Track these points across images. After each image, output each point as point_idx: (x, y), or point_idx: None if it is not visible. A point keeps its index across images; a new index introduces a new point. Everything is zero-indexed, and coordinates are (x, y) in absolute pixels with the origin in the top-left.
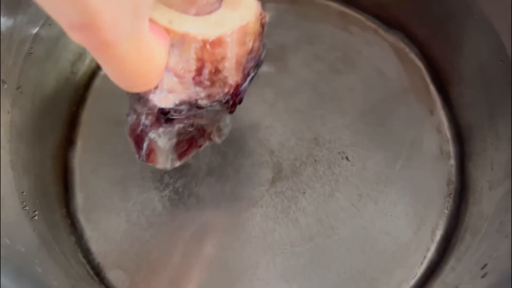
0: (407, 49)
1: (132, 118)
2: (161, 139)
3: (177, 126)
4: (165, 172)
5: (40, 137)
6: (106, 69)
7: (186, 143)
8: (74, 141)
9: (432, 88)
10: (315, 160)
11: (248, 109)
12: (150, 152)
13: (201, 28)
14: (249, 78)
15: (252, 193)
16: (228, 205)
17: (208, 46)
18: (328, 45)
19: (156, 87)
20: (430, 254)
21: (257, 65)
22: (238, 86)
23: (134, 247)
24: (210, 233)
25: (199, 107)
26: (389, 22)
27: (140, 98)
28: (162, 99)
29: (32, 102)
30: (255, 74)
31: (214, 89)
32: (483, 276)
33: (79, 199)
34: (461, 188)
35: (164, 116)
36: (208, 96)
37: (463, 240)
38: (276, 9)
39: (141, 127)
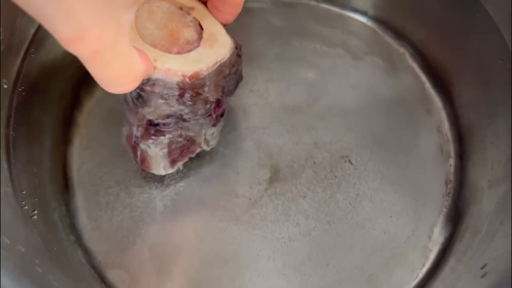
0: (407, 49)
1: (126, 129)
2: (152, 149)
3: (168, 136)
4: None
5: (39, 136)
6: (93, 73)
7: (178, 151)
8: (74, 140)
9: (432, 88)
10: (315, 162)
11: (247, 111)
12: (143, 159)
13: (180, 65)
14: (228, 94)
15: (251, 193)
16: (228, 205)
17: (187, 79)
18: (327, 47)
19: (144, 104)
20: (430, 254)
21: (237, 82)
22: (218, 101)
23: (135, 246)
24: (210, 232)
25: (184, 120)
26: (388, 23)
27: (131, 110)
28: (151, 112)
29: (31, 101)
30: (235, 89)
31: (196, 106)
32: (483, 276)
33: (79, 198)
34: (461, 187)
35: (153, 127)
36: (192, 111)
37: (463, 239)
38: (277, 11)
39: (133, 138)
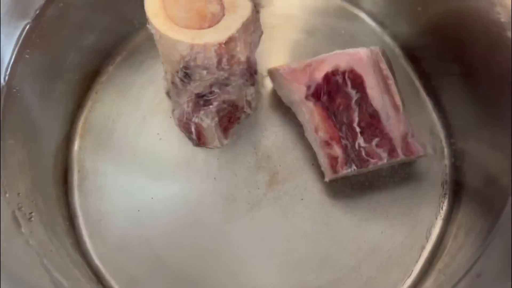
0: (400, 50)
1: (177, 112)
2: (204, 121)
3: (215, 104)
4: (164, 172)
5: (37, 138)
6: None
7: (226, 119)
8: (73, 141)
9: (423, 90)
10: (313, 164)
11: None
12: (199, 134)
13: (215, 36)
14: (254, 50)
15: (250, 195)
16: (226, 206)
17: (223, 45)
18: (325, 45)
19: (190, 79)
20: (425, 252)
21: (259, 36)
22: (248, 59)
23: (133, 247)
24: (209, 232)
25: (226, 84)
26: (384, 23)
27: (180, 91)
28: (197, 86)
29: (28, 103)
30: (259, 42)
31: (233, 68)
32: (478, 276)
33: (78, 199)
34: (456, 187)
35: (201, 99)
36: (231, 73)
37: (457, 237)
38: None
39: (185, 115)
